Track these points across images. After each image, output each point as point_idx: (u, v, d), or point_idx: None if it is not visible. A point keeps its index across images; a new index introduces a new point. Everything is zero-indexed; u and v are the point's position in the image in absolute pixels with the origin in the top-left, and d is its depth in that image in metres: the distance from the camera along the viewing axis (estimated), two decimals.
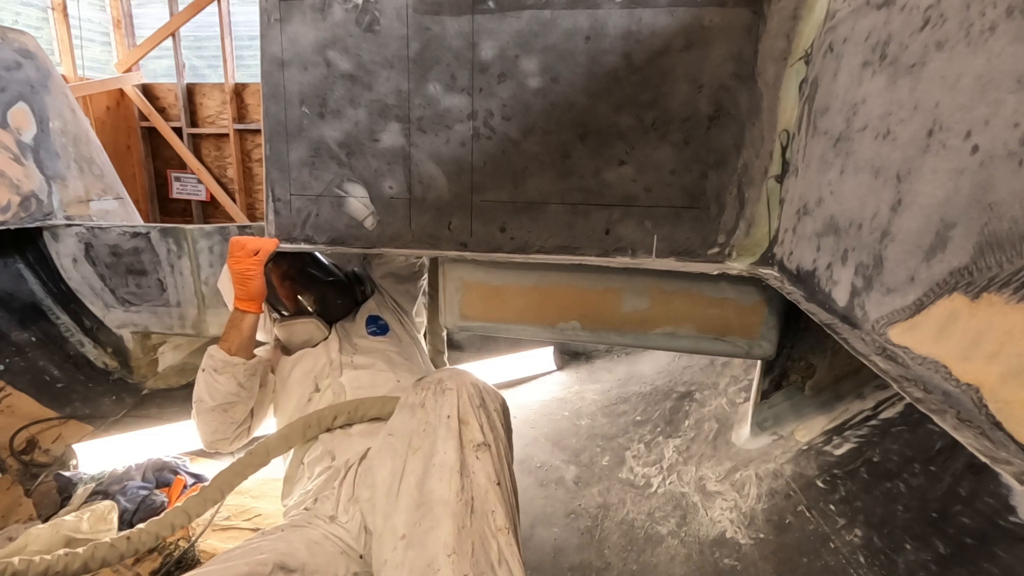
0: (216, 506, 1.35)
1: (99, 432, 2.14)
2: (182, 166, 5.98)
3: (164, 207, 6.20)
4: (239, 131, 5.82)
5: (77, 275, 2.30)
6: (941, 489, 0.88)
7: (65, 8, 5.12)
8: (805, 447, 1.17)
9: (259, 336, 1.47)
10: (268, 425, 1.48)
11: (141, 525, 1.22)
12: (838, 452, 1.10)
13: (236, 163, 5.87)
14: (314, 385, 1.38)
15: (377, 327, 1.51)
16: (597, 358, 2.33)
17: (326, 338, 1.46)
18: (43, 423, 2.10)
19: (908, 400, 0.56)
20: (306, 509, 1.12)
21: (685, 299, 1.14)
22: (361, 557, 1.06)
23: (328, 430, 1.25)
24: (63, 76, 2.89)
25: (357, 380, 1.35)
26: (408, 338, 1.56)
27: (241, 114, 5.84)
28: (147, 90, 5.85)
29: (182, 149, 5.84)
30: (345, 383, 1.34)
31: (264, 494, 1.83)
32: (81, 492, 1.86)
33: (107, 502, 1.75)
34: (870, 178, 0.69)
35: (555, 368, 2.33)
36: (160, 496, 1.88)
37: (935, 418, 0.52)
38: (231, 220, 5.92)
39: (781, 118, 1.01)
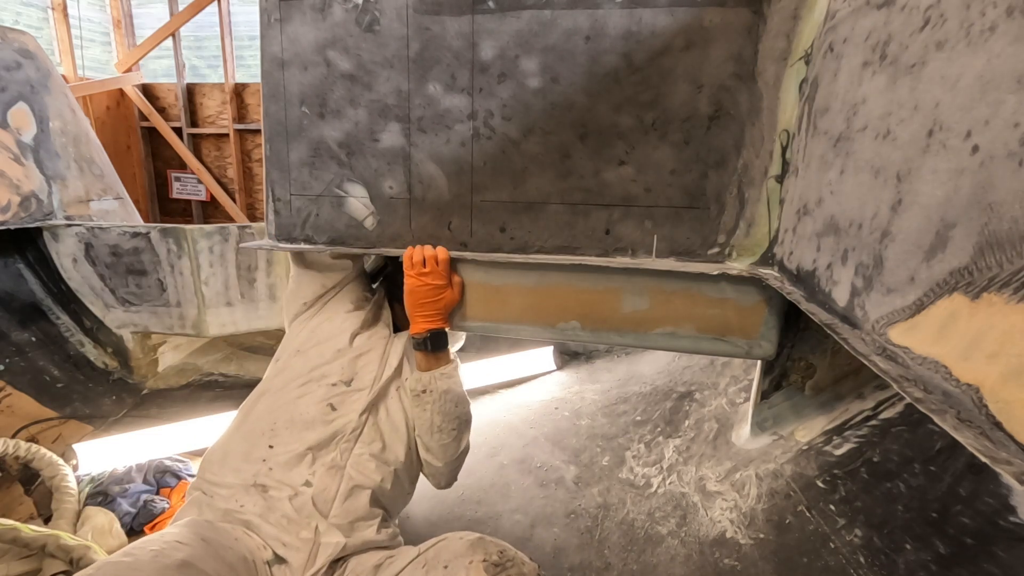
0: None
1: (99, 432, 2.14)
2: (182, 166, 5.98)
3: (164, 207, 6.21)
4: (239, 131, 5.83)
5: (77, 275, 2.30)
6: (941, 489, 0.88)
7: (65, 8, 5.12)
8: (805, 447, 1.17)
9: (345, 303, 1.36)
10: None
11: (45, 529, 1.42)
12: (838, 452, 1.10)
13: (236, 163, 5.87)
14: (340, 382, 1.23)
15: None
16: (597, 358, 2.33)
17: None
18: (43, 423, 2.10)
19: (908, 400, 0.56)
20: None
21: (685, 299, 1.14)
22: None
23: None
24: (63, 76, 2.89)
25: (363, 458, 1.16)
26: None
27: (241, 114, 5.84)
28: (147, 90, 5.86)
29: (182, 149, 5.84)
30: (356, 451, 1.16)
31: None
32: (81, 492, 1.86)
33: (103, 517, 1.76)
34: (870, 178, 0.69)
35: (555, 368, 2.33)
36: (162, 502, 1.88)
37: (935, 418, 0.52)
38: (231, 220, 5.92)
39: (781, 118, 1.01)
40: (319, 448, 1.14)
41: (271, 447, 1.14)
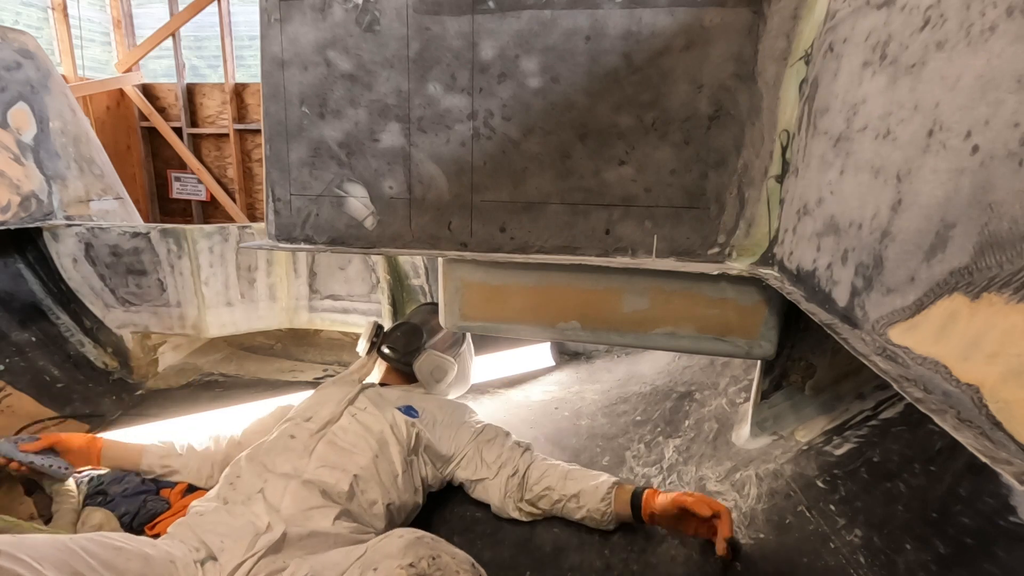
0: None
1: (98, 432, 2.13)
2: (182, 166, 5.98)
3: (164, 207, 6.21)
4: (239, 131, 5.83)
5: (77, 275, 2.30)
6: (941, 489, 0.88)
7: (65, 8, 5.12)
8: (805, 447, 1.17)
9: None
10: None
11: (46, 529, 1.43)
12: (838, 452, 1.10)
13: (236, 163, 5.87)
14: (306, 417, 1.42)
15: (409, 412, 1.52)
16: (597, 358, 2.33)
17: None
18: (43, 423, 2.10)
19: (908, 400, 0.56)
20: None
21: (685, 299, 1.14)
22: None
23: None
24: (63, 76, 2.89)
25: (327, 454, 1.31)
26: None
27: (241, 114, 5.84)
28: (147, 90, 5.86)
29: (182, 149, 5.84)
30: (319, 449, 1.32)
31: None
32: (81, 492, 1.86)
33: (103, 517, 1.75)
34: (870, 178, 0.69)
35: (553, 364, 2.33)
36: (162, 502, 1.87)
37: (935, 418, 0.52)
38: (231, 220, 5.92)
39: (781, 118, 1.01)
40: (276, 466, 1.27)
41: (239, 477, 1.29)
